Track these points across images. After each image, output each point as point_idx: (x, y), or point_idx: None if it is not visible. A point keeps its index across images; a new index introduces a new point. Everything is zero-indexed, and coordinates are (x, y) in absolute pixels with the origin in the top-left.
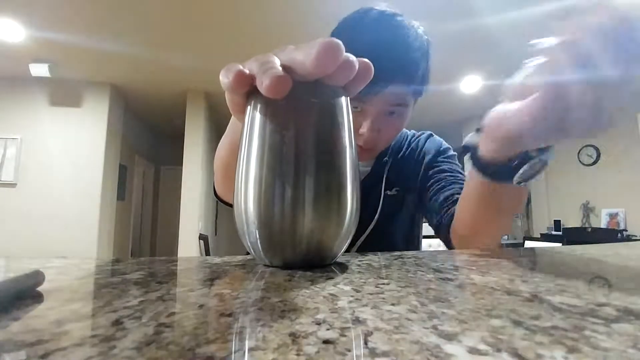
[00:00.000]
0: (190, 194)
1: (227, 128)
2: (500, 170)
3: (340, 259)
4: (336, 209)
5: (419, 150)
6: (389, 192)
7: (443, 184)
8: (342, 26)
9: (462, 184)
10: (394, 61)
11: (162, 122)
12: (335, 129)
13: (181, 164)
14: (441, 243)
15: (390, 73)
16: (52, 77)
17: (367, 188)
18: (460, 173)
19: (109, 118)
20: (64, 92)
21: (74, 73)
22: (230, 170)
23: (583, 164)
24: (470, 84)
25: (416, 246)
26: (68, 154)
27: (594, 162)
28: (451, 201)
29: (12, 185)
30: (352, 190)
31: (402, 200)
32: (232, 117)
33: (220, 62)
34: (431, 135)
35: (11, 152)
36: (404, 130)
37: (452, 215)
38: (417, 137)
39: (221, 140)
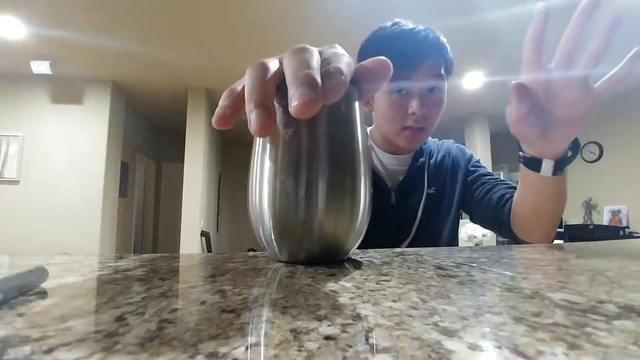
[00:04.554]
0: (192, 191)
1: None
2: (558, 165)
3: None
4: (349, 205)
5: (449, 153)
6: (429, 191)
7: (488, 186)
8: (372, 37)
9: (503, 184)
10: (422, 41)
11: (164, 119)
12: (348, 127)
13: (183, 161)
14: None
15: (422, 49)
16: (54, 74)
17: (409, 186)
18: (494, 175)
19: (110, 115)
20: (65, 90)
21: (76, 70)
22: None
23: (586, 161)
24: (473, 80)
25: (456, 243)
26: (70, 151)
27: (597, 159)
28: (504, 200)
29: (15, 182)
30: (365, 187)
31: (441, 199)
32: None
33: (221, 60)
34: (454, 142)
35: (14, 150)
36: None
37: (509, 212)
38: (443, 143)
39: None
